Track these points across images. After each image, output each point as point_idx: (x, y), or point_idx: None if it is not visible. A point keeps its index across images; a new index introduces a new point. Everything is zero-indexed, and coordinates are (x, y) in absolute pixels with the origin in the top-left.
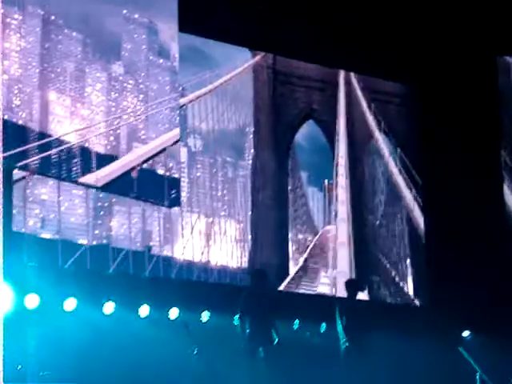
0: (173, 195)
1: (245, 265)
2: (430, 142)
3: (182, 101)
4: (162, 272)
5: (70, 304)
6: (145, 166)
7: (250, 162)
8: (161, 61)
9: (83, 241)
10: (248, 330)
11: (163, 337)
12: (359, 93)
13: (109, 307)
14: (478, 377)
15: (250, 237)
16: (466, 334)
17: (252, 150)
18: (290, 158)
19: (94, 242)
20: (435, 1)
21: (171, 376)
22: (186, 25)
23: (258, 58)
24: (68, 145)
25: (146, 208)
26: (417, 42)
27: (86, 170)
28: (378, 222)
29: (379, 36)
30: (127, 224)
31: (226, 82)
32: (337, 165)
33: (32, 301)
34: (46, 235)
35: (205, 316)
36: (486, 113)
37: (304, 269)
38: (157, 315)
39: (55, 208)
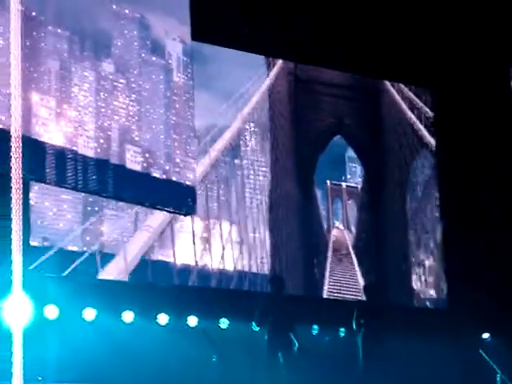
0: (189, 203)
1: (243, 268)
2: (446, 148)
3: None
4: (159, 277)
5: (90, 314)
6: (156, 174)
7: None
8: (154, 58)
9: (73, 247)
10: (267, 336)
11: (183, 345)
12: (401, 102)
13: (128, 316)
14: (498, 378)
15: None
16: (485, 335)
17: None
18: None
19: (85, 249)
20: (454, 8)
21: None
22: (199, 32)
23: (278, 64)
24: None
25: (139, 211)
26: (435, 47)
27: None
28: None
29: (397, 40)
30: (119, 229)
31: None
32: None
33: (51, 311)
34: (34, 242)
35: (223, 323)
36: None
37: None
38: (176, 323)
39: (42, 214)
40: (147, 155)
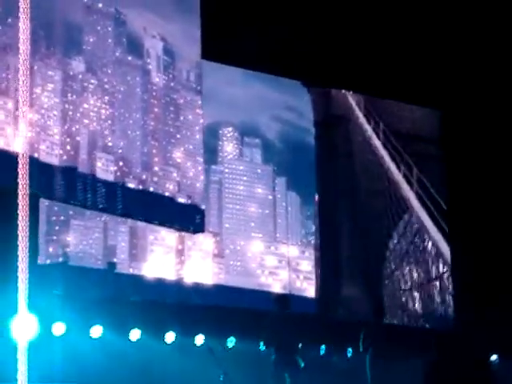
0: (197, 221)
1: (222, 281)
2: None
3: None
4: (130, 291)
5: (96, 331)
6: (131, 184)
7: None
8: (130, 57)
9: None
10: (273, 356)
11: (189, 363)
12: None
13: (134, 334)
14: None
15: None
16: (493, 358)
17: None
18: None
19: (48, 261)
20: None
21: None
22: (210, 52)
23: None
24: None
25: (108, 221)
26: (442, 68)
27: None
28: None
29: (405, 61)
30: (87, 239)
31: None
32: None
33: (58, 329)
34: None
35: (230, 342)
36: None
37: None
38: (182, 341)
39: None
40: (121, 163)
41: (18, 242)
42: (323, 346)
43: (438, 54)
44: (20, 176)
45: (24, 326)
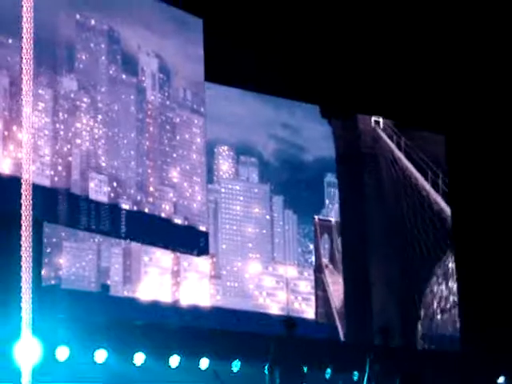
0: (201, 244)
1: (219, 303)
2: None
3: None
4: (125, 314)
5: (101, 356)
6: (126, 205)
7: None
8: (124, 76)
9: None
10: (278, 380)
11: None
12: None
13: (139, 358)
14: None
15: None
16: (501, 380)
17: None
18: None
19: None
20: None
21: None
22: (213, 74)
23: None
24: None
25: (101, 242)
26: (444, 91)
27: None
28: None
29: (410, 84)
30: (79, 262)
31: None
32: None
33: (62, 353)
34: None
35: (235, 366)
36: None
37: None
38: (187, 365)
39: None
40: (115, 184)
41: (22, 263)
42: (329, 370)
43: (440, 77)
44: (23, 200)
45: (27, 350)
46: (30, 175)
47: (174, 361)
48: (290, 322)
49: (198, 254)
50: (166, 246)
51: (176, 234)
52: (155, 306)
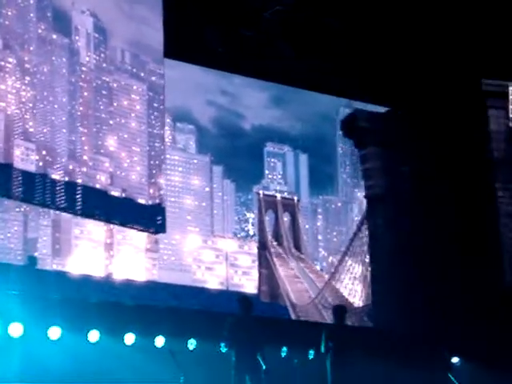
0: (158, 221)
1: (155, 277)
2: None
3: None
4: (54, 289)
5: (55, 332)
6: (56, 176)
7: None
8: (54, 36)
9: None
10: (234, 358)
11: (149, 365)
12: None
13: (94, 335)
14: None
15: None
16: (455, 360)
17: None
18: None
19: None
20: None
21: None
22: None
23: None
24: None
25: (29, 212)
26: (403, 65)
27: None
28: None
29: (369, 61)
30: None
31: None
32: None
33: (16, 329)
34: None
35: (191, 344)
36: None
37: None
38: (143, 343)
39: None
40: (44, 152)
41: None
42: (285, 348)
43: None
44: None
45: None
46: None
47: (130, 338)
48: (246, 302)
49: (156, 232)
50: (122, 224)
51: (133, 210)
52: (86, 280)
